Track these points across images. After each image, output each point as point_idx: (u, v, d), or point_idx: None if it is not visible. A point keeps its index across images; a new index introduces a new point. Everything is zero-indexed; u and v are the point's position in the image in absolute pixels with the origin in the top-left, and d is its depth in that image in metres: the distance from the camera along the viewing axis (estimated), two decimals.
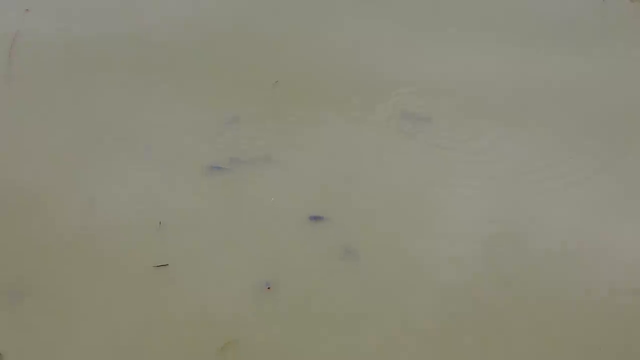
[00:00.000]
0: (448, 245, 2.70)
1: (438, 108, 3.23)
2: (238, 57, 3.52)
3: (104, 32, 3.64)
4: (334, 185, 2.92)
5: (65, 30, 3.64)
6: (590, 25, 3.72)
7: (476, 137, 3.12)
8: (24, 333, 2.44)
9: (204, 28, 3.67)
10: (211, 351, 2.40)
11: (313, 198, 2.86)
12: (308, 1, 3.85)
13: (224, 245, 2.69)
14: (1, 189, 2.89)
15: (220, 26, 3.70)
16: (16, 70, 3.42)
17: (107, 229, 2.73)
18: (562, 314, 2.51)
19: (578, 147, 3.07)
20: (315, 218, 2.77)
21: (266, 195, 2.86)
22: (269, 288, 2.55)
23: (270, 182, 2.92)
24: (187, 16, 3.73)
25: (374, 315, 2.51)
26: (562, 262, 2.66)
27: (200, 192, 2.88)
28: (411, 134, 3.13)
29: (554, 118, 3.21)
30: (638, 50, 3.56)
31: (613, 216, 2.81)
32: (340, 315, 2.50)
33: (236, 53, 3.54)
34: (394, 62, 3.48)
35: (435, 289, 2.58)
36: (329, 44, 3.57)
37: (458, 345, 2.44)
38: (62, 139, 3.09)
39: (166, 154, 3.02)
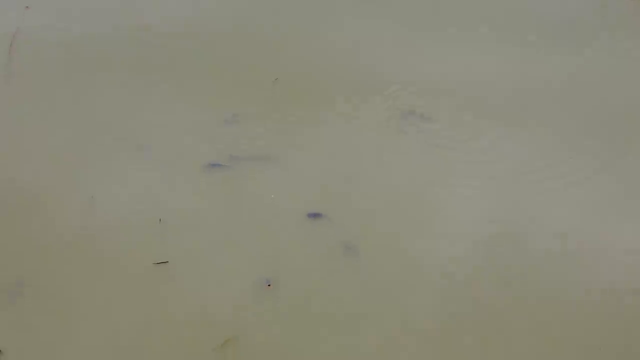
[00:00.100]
0: (448, 245, 2.70)
1: (438, 108, 3.23)
2: (238, 56, 3.51)
3: (104, 31, 3.63)
4: (334, 184, 2.92)
5: (65, 29, 3.63)
6: (590, 25, 3.71)
7: (476, 137, 3.12)
8: (24, 331, 2.44)
9: (204, 28, 3.67)
10: (211, 349, 2.40)
11: (313, 197, 2.86)
12: (308, 1, 3.84)
13: (224, 244, 2.70)
14: (1, 188, 2.89)
15: (220, 26, 3.69)
16: (16, 68, 3.42)
17: (107, 228, 2.73)
18: (562, 314, 2.51)
19: (578, 147, 3.07)
20: (314, 215, 2.77)
21: (266, 194, 2.86)
22: (269, 285, 2.56)
23: (270, 181, 2.92)
24: (187, 16, 3.73)
25: (374, 315, 2.51)
26: (562, 262, 2.66)
27: (200, 191, 2.88)
28: (411, 134, 3.13)
29: (554, 118, 3.21)
30: (638, 51, 3.56)
31: (613, 216, 2.81)
32: (340, 314, 2.50)
33: (236, 52, 3.53)
34: (394, 62, 3.48)
35: (435, 289, 2.58)
36: (329, 44, 3.57)
37: (458, 345, 2.44)
38: (62, 139, 3.08)
39: (166, 154, 3.02)
